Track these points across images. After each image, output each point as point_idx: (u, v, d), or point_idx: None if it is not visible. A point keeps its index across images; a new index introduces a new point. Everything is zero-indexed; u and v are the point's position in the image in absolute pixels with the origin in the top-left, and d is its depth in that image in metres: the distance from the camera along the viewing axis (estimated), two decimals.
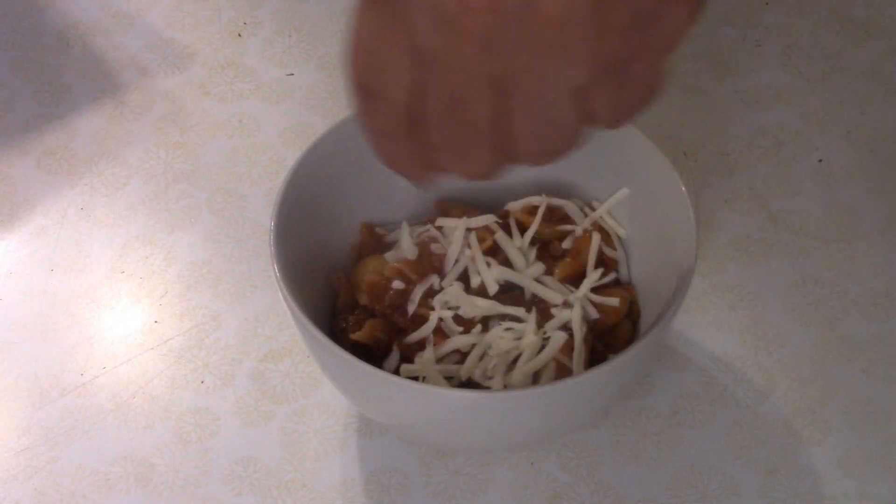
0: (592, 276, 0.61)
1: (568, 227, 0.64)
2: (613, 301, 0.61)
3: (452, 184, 0.67)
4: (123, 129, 0.79)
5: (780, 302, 0.69)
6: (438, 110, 0.35)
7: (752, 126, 0.78)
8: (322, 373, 0.65)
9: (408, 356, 0.59)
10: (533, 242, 0.63)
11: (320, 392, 0.66)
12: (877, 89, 0.79)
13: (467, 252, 0.61)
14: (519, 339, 0.58)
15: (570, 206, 0.65)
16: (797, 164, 0.76)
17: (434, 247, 0.62)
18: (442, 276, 0.61)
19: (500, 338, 0.58)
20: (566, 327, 0.59)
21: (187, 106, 0.80)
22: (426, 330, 0.59)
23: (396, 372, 0.58)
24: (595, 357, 0.59)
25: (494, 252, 0.62)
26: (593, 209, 0.65)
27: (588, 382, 0.54)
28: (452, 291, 0.59)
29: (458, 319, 0.59)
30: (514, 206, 0.65)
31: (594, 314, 0.60)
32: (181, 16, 0.86)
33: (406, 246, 0.61)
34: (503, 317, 0.60)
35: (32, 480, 0.63)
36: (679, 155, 0.76)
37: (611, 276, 0.63)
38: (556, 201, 0.65)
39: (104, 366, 0.68)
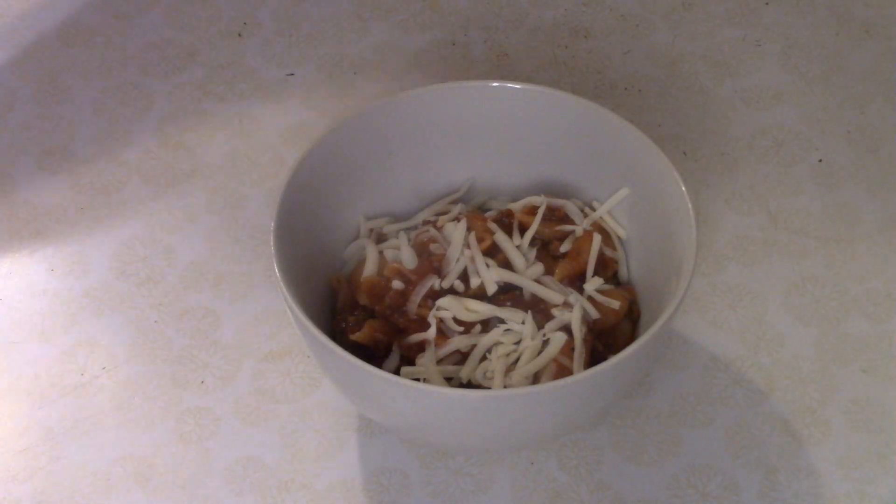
0: (594, 282, 0.61)
1: (568, 228, 0.64)
2: (614, 303, 0.61)
3: (452, 184, 0.68)
4: (123, 129, 0.79)
5: (780, 302, 0.69)
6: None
7: (752, 126, 0.78)
8: (322, 373, 0.65)
9: (408, 357, 0.59)
10: (533, 242, 0.63)
11: (320, 392, 0.66)
12: (877, 89, 0.79)
13: (467, 252, 0.61)
14: (518, 342, 0.58)
15: (570, 206, 0.65)
16: (797, 164, 0.76)
17: (434, 247, 0.62)
18: (442, 276, 0.61)
19: (499, 342, 0.58)
20: (566, 328, 0.59)
21: (187, 106, 0.80)
22: (428, 334, 0.59)
23: (396, 373, 0.58)
24: (595, 357, 0.59)
25: (494, 252, 0.62)
26: (593, 209, 0.65)
27: (588, 382, 0.54)
28: (447, 302, 0.59)
29: (458, 319, 0.59)
30: (514, 206, 0.65)
31: (594, 314, 0.60)
32: (181, 16, 0.86)
33: (406, 255, 0.61)
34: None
35: (32, 480, 0.63)
36: (679, 155, 0.76)
37: (611, 281, 0.63)
38: (556, 201, 0.65)
39: (104, 366, 0.68)
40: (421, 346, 0.59)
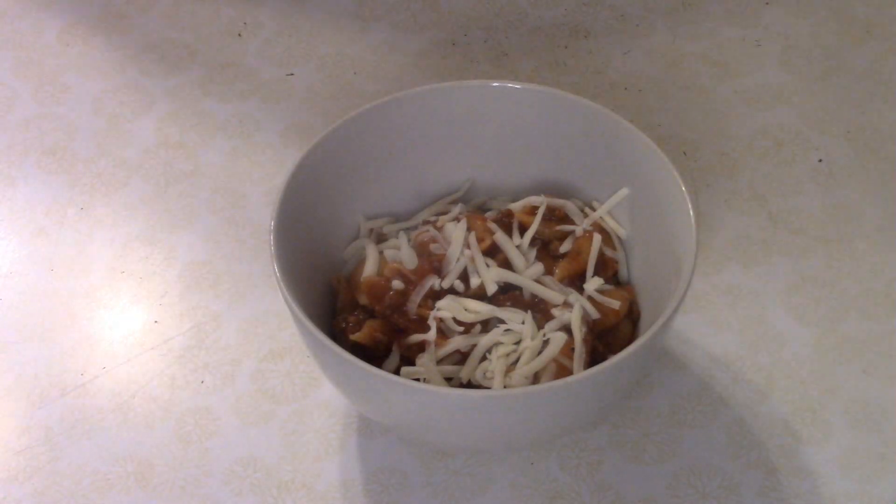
0: (594, 282, 0.61)
1: (568, 228, 0.64)
2: (614, 303, 0.61)
3: (452, 184, 0.68)
4: (123, 129, 0.79)
5: (780, 302, 0.69)
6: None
7: (752, 126, 0.78)
8: (322, 373, 0.65)
9: (408, 357, 0.59)
10: (533, 242, 0.63)
11: (320, 392, 0.66)
12: (877, 89, 0.79)
13: (467, 252, 0.61)
14: (518, 342, 0.58)
15: (570, 206, 0.65)
16: (797, 164, 0.76)
17: (434, 247, 0.62)
18: (442, 276, 0.61)
19: (499, 342, 0.58)
20: (566, 328, 0.59)
21: (187, 106, 0.80)
22: (428, 336, 0.59)
23: (396, 373, 0.58)
24: (595, 357, 0.59)
25: (494, 252, 0.62)
26: (593, 209, 0.65)
27: (588, 382, 0.54)
28: (446, 304, 0.59)
29: (458, 319, 0.59)
30: (515, 206, 0.65)
31: (594, 314, 0.60)
32: (181, 16, 0.86)
33: (406, 255, 0.62)
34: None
35: (32, 480, 0.63)
36: (679, 155, 0.76)
37: (611, 281, 0.63)
38: (556, 201, 0.65)
39: (104, 366, 0.68)
40: (421, 346, 0.59)
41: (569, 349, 0.58)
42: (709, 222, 0.73)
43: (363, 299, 0.61)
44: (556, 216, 0.64)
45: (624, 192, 0.64)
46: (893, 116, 0.78)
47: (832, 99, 0.79)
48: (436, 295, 0.60)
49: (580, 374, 0.54)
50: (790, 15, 0.84)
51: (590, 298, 0.61)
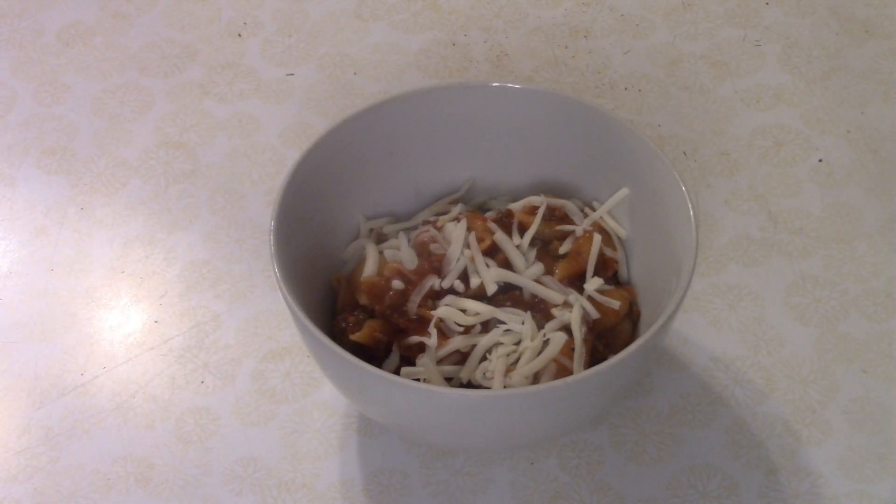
0: (595, 282, 0.61)
1: (568, 228, 0.64)
2: (614, 303, 0.61)
3: (452, 184, 0.68)
4: (123, 129, 0.79)
5: (780, 302, 0.69)
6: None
7: (752, 126, 0.78)
8: (322, 373, 0.65)
9: (408, 357, 0.59)
10: (533, 243, 0.63)
11: (320, 392, 0.66)
12: (877, 89, 0.79)
13: (467, 252, 0.61)
14: (518, 342, 0.58)
15: (570, 206, 0.65)
16: (797, 164, 0.76)
17: (433, 247, 0.62)
18: (442, 276, 0.61)
19: (499, 342, 0.58)
20: (566, 328, 0.59)
21: (187, 106, 0.80)
22: (429, 342, 0.59)
23: (396, 373, 0.58)
24: (595, 357, 0.59)
25: (494, 252, 0.62)
26: (593, 209, 0.65)
27: (588, 382, 0.54)
28: (446, 311, 0.59)
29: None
30: (515, 206, 0.65)
31: (595, 314, 0.60)
32: (181, 16, 0.86)
33: (406, 255, 0.62)
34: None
35: (32, 480, 0.63)
36: (679, 155, 0.76)
37: (611, 281, 0.63)
38: (556, 201, 0.65)
39: (104, 366, 0.68)
40: (421, 346, 0.59)
41: (569, 349, 0.58)
42: (709, 222, 0.73)
43: (363, 299, 0.61)
44: (556, 216, 0.64)
45: (624, 192, 0.64)
46: (893, 116, 0.78)
47: (832, 99, 0.79)
48: (436, 295, 0.60)
49: (580, 374, 0.54)
50: (790, 15, 0.84)
51: (590, 298, 0.61)
